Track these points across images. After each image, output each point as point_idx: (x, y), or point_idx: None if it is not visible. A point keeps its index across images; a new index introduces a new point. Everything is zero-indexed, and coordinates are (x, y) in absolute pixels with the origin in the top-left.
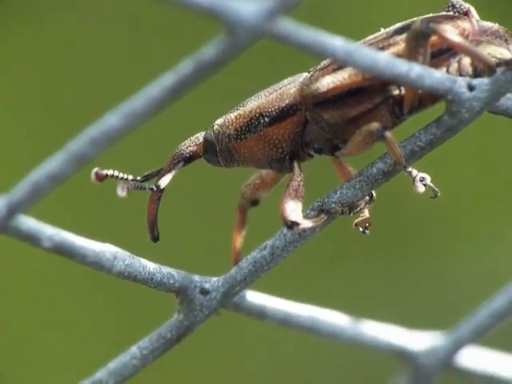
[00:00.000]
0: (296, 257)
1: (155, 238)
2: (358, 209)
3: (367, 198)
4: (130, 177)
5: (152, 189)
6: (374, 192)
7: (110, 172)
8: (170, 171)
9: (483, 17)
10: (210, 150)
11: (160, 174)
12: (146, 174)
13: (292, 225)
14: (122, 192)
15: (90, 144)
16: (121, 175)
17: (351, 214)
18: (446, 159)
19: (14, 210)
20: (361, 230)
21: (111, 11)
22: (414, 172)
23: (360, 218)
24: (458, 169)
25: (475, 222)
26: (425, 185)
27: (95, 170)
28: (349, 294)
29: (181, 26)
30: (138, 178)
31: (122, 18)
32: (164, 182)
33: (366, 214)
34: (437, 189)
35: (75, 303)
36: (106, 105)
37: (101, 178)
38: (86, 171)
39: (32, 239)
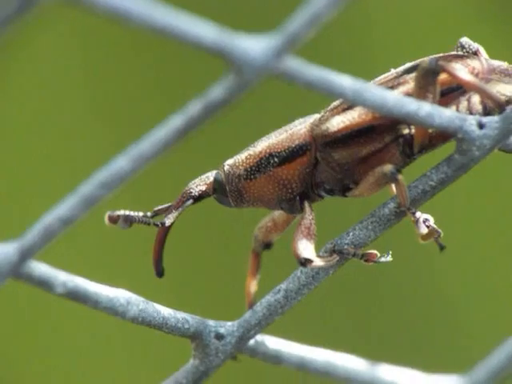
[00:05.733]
0: (311, 302)
1: (160, 274)
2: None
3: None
4: (141, 214)
5: (157, 225)
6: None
7: (121, 212)
8: (177, 209)
9: (474, 20)
10: (219, 190)
11: (168, 210)
12: (156, 208)
13: (305, 262)
14: (124, 225)
15: (100, 187)
16: (132, 214)
17: (362, 260)
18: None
19: (26, 255)
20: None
21: (110, 57)
22: (418, 214)
23: (427, 231)
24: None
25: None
26: (428, 226)
27: (108, 213)
28: (364, 338)
29: (186, 65)
30: (149, 213)
31: (126, 61)
32: (170, 219)
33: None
34: (440, 230)
35: (88, 337)
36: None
37: (114, 219)
38: (95, 213)
39: (45, 285)
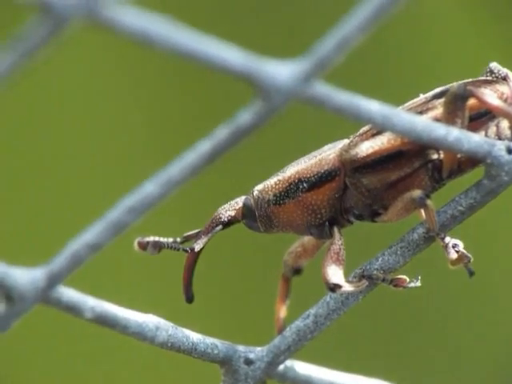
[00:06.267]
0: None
1: (190, 299)
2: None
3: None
4: (170, 240)
5: (186, 250)
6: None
7: (150, 239)
8: (207, 234)
9: (504, 44)
10: (249, 215)
11: (197, 236)
12: (185, 234)
13: (334, 287)
14: (153, 251)
15: (128, 212)
16: (161, 240)
17: (391, 285)
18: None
19: (54, 281)
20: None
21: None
22: (447, 239)
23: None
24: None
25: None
26: (457, 251)
27: (137, 239)
28: (396, 364)
29: (213, 90)
30: (178, 239)
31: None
32: (199, 244)
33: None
34: (469, 255)
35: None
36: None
37: (143, 246)
38: (123, 239)
39: (73, 310)
